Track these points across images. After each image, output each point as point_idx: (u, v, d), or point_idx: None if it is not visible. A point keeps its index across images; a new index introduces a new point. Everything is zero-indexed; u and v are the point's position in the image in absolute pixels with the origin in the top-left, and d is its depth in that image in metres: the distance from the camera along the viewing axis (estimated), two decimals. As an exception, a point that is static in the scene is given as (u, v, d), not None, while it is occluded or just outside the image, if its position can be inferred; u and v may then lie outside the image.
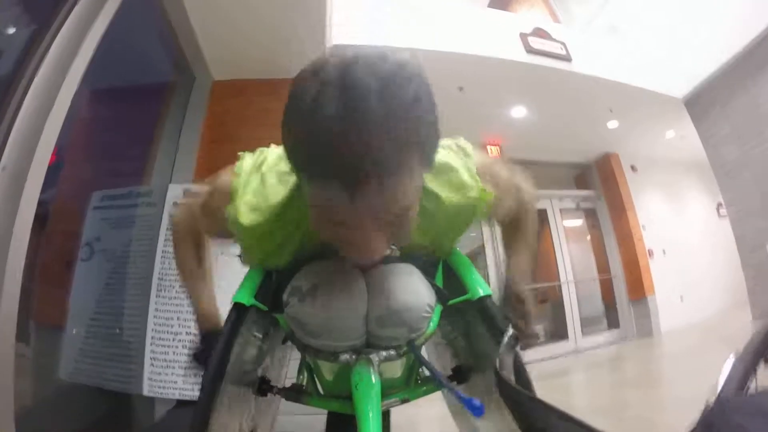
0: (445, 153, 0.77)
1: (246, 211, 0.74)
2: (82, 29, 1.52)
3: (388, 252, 0.81)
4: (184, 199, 0.95)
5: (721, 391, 0.51)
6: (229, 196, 0.76)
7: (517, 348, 0.75)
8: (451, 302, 0.86)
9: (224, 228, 0.79)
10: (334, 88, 0.50)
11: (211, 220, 0.86)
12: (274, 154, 0.79)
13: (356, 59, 0.52)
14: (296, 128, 0.54)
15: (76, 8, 1.52)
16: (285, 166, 0.70)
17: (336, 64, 0.52)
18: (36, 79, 1.36)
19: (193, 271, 1.03)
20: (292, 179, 0.73)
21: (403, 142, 0.51)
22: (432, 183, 0.74)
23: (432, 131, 0.56)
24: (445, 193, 0.75)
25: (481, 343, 0.87)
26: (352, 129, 0.49)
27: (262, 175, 0.76)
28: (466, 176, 0.76)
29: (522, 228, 0.96)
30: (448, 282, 0.91)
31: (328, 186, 0.53)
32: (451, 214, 0.77)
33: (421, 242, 0.82)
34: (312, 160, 0.53)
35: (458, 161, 0.77)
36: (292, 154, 0.56)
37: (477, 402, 0.64)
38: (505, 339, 0.70)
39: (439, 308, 0.84)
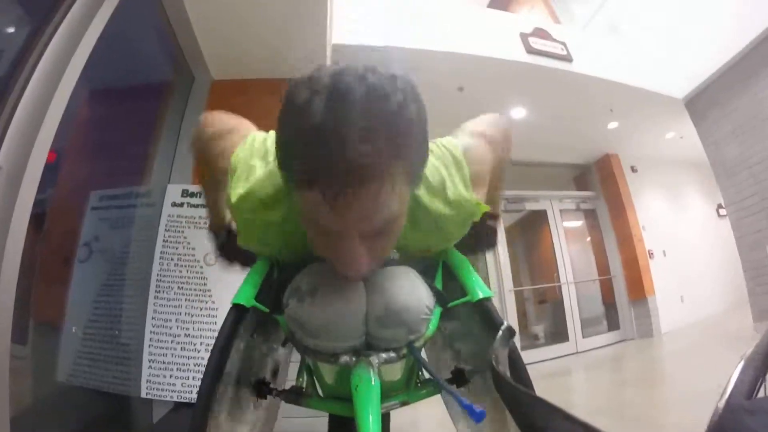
0: (438, 166, 0.77)
1: (237, 194, 0.75)
2: (79, 28, 1.52)
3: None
4: (207, 125, 0.92)
5: (730, 396, 0.50)
6: (230, 168, 0.78)
7: (514, 346, 0.74)
8: (450, 304, 0.86)
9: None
10: (321, 96, 0.51)
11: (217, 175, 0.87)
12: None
13: (347, 69, 0.54)
14: (283, 133, 0.56)
15: (74, 7, 1.51)
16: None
17: (327, 73, 0.54)
18: (33, 79, 1.35)
19: (209, 181, 1.03)
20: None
21: (384, 151, 0.51)
22: (427, 200, 0.75)
23: (417, 145, 0.57)
24: (442, 210, 0.76)
25: (481, 345, 0.87)
26: (333, 136, 0.50)
27: (261, 162, 0.77)
28: (463, 193, 0.77)
29: (497, 175, 0.99)
30: (448, 284, 0.90)
31: (310, 192, 0.54)
32: (448, 226, 0.79)
33: (418, 249, 0.84)
34: (295, 166, 0.55)
35: (454, 176, 0.78)
36: (279, 156, 0.58)
37: (477, 408, 0.63)
38: (500, 333, 0.69)
39: (438, 310, 0.84)
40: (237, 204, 0.75)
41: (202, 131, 0.92)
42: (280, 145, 0.57)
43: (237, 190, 0.75)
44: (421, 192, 0.74)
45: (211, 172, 0.93)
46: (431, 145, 0.79)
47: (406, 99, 0.54)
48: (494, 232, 1.17)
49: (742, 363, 0.55)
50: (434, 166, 0.76)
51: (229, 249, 1.10)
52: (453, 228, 0.81)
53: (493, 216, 1.12)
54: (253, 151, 0.78)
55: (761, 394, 0.54)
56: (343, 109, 0.50)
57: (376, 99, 0.52)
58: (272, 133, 0.80)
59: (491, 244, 1.18)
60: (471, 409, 0.64)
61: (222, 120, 0.91)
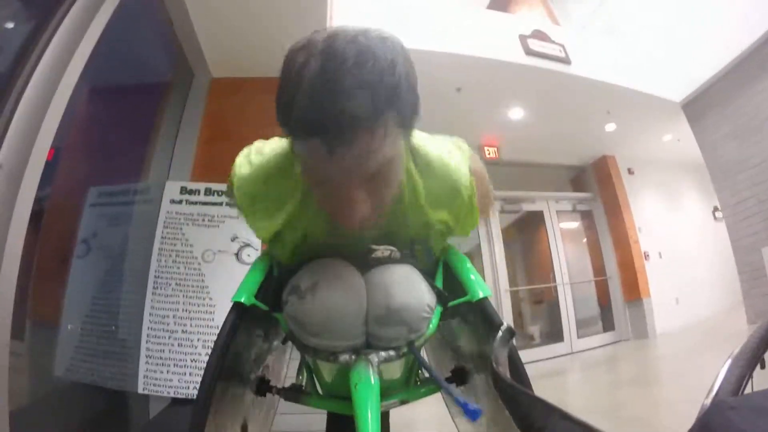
0: (441, 144, 0.83)
1: (242, 169, 0.82)
2: (80, 26, 1.52)
3: (386, 253, 0.82)
4: None
5: (717, 393, 0.51)
6: (235, 166, 0.84)
7: (514, 346, 0.74)
8: (451, 303, 0.86)
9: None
10: (317, 56, 0.57)
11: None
12: (271, 142, 0.86)
13: (340, 33, 0.58)
14: (283, 92, 0.60)
15: (75, 5, 1.51)
16: (281, 146, 0.81)
17: (322, 38, 0.59)
18: (34, 76, 1.35)
19: None
20: (286, 150, 0.79)
21: (374, 99, 0.56)
22: (421, 156, 0.79)
23: (406, 95, 0.60)
24: (435, 163, 0.79)
25: (481, 344, 0.87)
26: (329, 88, 0.55)
27: (259, 152, 0.84)
28: (457, 158, 0.82)
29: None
30: (448, 283, 0.91)
31: (309, 141, 0.58)
32: (436, 191, 0.80)
33: (409, 226, 0.84)
34: (295, 119, 0.59)
35: (454, 152, 0.83)
36: (280, 115, 0.61)
37: (473, 405, 0.64)
38: (500, 334, 0.69)
39: (439, 309, 0.84)
40: (239, 177, 0.82)
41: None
42: (280, 104, 0.61)
43: (239, 168, 0.83)
44: (419, 161, 0.78)
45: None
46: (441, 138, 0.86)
47: (395, 57, 0.58)
48: None
49: (729, 361, 0.56)
50: (438, 141, 0.82)
51: None
52: (439, 193, 0.80)
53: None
54: (245, 153, 0.85)
55: (748, 390, 0.55)
56: (336, 69, 0.55)
57: (366, 58, 0.56)
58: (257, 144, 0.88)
59: None
60: (466, 407, 0.64)
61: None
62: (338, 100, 0.54)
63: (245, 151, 0.86)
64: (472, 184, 0.81)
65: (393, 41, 0.61)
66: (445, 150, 0.82)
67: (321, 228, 0.82)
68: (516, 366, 0.74)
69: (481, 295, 0.83)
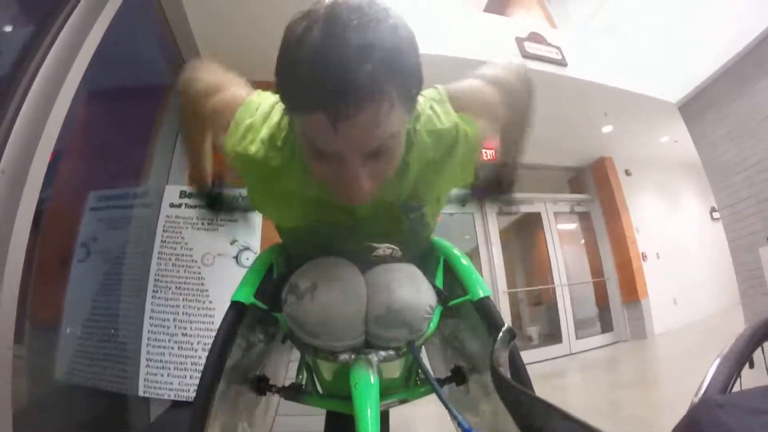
0: (424, 104, 0.78)
1: (243, 147, 0.74)
2: (81, 32, 1.53)
3: (387, 251, 0.82)
4: (198, 77, 0.91)
5: (705, 391, 0.53)
6: (232, 123, 0.76)
7: (515, 346, 0.74)
8: (451, 303, 0.87)
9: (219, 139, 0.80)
10: (319, 26, 0.54)
11: (211, 129, 0.92)
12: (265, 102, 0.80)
13: (343, 2, 0.56)
14: (284, 63, 0.58)
15: (75, 11, 1.53)
16: (276, 112, 0.75)
17: (323, 7, 0.56)
18: (35, 83, 1.36)
19: (194, 131, 1.03)
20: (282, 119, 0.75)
21: (380, 71, 0.54)
22: (422, 137, 0.75)
23: (410, 66, 0.59)
24: (428, 145, 0.75)
25: (480, 343, 0.88)
26: (332, 59, 0.53)
27: (265, 119, 0.76)
28: (439, 122, 0.76)
29: (511, 120, 0.97)
30: (448, 282, 0.91)
31: (312, 115, 0.56)
32: (430, 148, 0.75)
33: (409, 193, 0.80)
34: (297, 91, 0.57)
35: (436, 109, 0.78)
36: (280, 87, 0.60)
37: (467, 425, 0.63)
38: (500, 335, 0.70)
39: (439, 309, 0.84)
40: (238, 155, 0.74)
41: (192, 82, 0.90)
42: (281, 75, 0.59)
43: (239, 139, 0.75)
44: (418, 129, 0.74)
45: (199, 124, 0.95)
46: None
47: (398, 25, 0.57)
48: (510, 181, 1.20)
49: (718, 360, 0.58)
50: (422, 105, 0.77)
51: (216, 198, 1.15)
52: (434, 150, 0.76)
53: (510, 165, 1.13)
54: (254, 113, 0.77)
55: (737, 389, 0.57)
56: (339, 34, 0.53)
57: (370, 24, 0.54)
58: (270, 97, 0.80)
59: (506, 192, 1.21)
60: (461, 425, 0.64)
61: (213, 73, 0.90)
62: (341, 70, 0.52)
63: (239, 114, 0.78)
64: (462, 130, 0.76)
65: (395, 12, 0.58)
66: (427, 108, 0.76)
67: (316, 200, 0.78)
68: (517, 367, 0.75)
69: (481, 294, 0.84)
